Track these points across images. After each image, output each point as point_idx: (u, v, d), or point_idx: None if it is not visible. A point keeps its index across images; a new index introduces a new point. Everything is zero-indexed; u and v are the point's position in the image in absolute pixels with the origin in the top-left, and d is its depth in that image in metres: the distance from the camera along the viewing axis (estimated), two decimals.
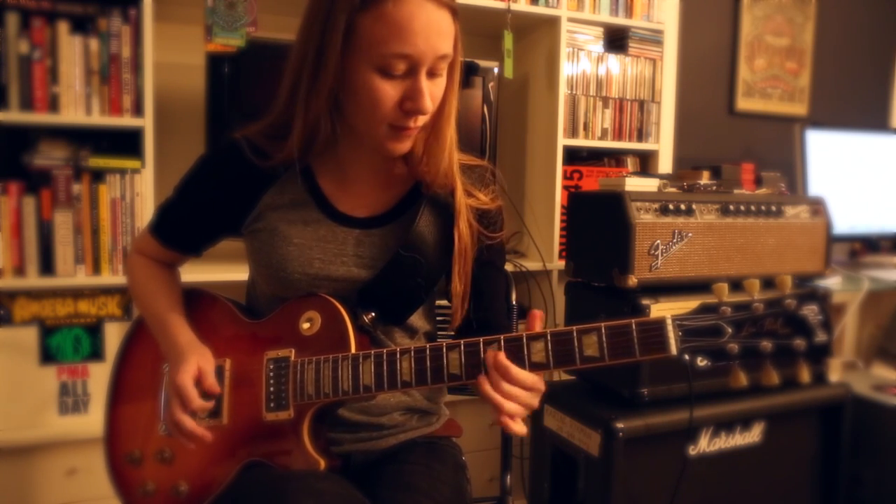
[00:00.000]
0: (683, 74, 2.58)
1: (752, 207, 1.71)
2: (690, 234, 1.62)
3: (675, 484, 1.56)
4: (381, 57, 0.89)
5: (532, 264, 2.18)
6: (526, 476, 1.99)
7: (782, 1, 3.00)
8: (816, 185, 2.34)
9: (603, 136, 2.28)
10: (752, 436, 1.71)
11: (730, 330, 0.81)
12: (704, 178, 1.81)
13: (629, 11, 2.29)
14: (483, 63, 2.08)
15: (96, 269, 1.71)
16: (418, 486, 1.00)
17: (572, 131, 2.23)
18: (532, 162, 2.37)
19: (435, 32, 0.89)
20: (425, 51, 0.89)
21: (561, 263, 2.16)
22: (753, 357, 0.81)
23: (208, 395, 0.98)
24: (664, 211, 1.60)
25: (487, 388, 0.86)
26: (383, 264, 1.02)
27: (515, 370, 0.86)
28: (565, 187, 2.22)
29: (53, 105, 1.67)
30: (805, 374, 0.80)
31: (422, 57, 0.89)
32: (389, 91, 0.91)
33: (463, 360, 0.88)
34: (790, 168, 2.38)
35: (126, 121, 1.72)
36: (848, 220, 2.38)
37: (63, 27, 1.67)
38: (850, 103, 3.21)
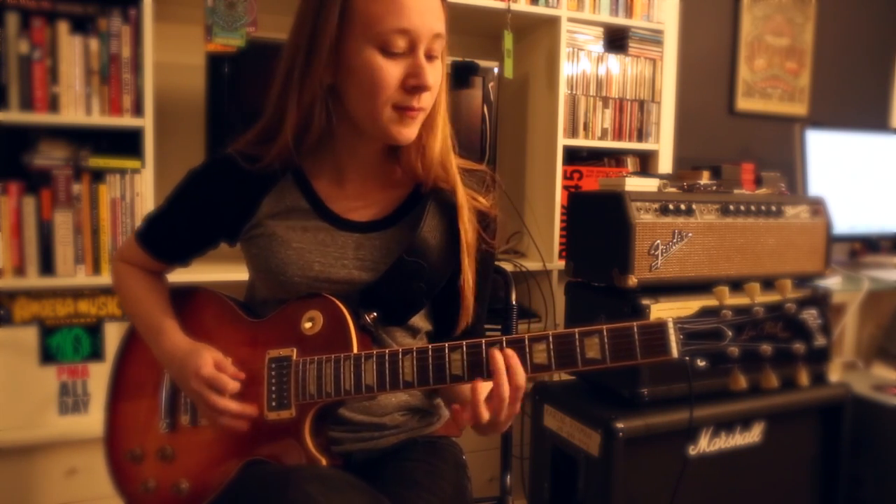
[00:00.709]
0: (683, 74, 2.58)
1: (752, 207, 1.71)
2: (690, 234, 1.63)
3: (675, 484, 1.56)
4: (381, 34, 0.90)
5: (532, 264, 2.18)
6: (526, 476, 1.99)
7: (782, 1, 3.00)
8: (816, 185, 2.34)
9: (603, 136, 2.28)
10: (752, 436, 1.71)
11: (730, 333, 0.82)
12: (704, 178, 1.81)
13: (629, 11, 2.29)
14: (483, 63, 2.08)
15: (96, 269, 1.71)
16: (420, 482, 1.01)
17: (572, 131, 2.23)
18: (532, 162, 2.37)
19: (428, 9, 0.92)
20: (421, 26, 0.91)
21: (561, 263, 2.16)
22: (753, 360, 0.81)
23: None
24: (664, 211, 1.60)
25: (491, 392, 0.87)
26: (385, 267, 1.02)
27: (521, 373, 0.87)
28: (565, 187, 2.22)
29: (53, 105, 1.67)
30: (804, 378, 0.80)
31: (419, 31, 0.91)
32: (392, 69, 0.92)
33: (465, 360, 0.89)
34: (790, 168, 2.38)
35: (126, 121, 1.72)
36: (848, 220, 2.38)
37: (63, 27, 1.67)
38: (850, 103, 3.21)
